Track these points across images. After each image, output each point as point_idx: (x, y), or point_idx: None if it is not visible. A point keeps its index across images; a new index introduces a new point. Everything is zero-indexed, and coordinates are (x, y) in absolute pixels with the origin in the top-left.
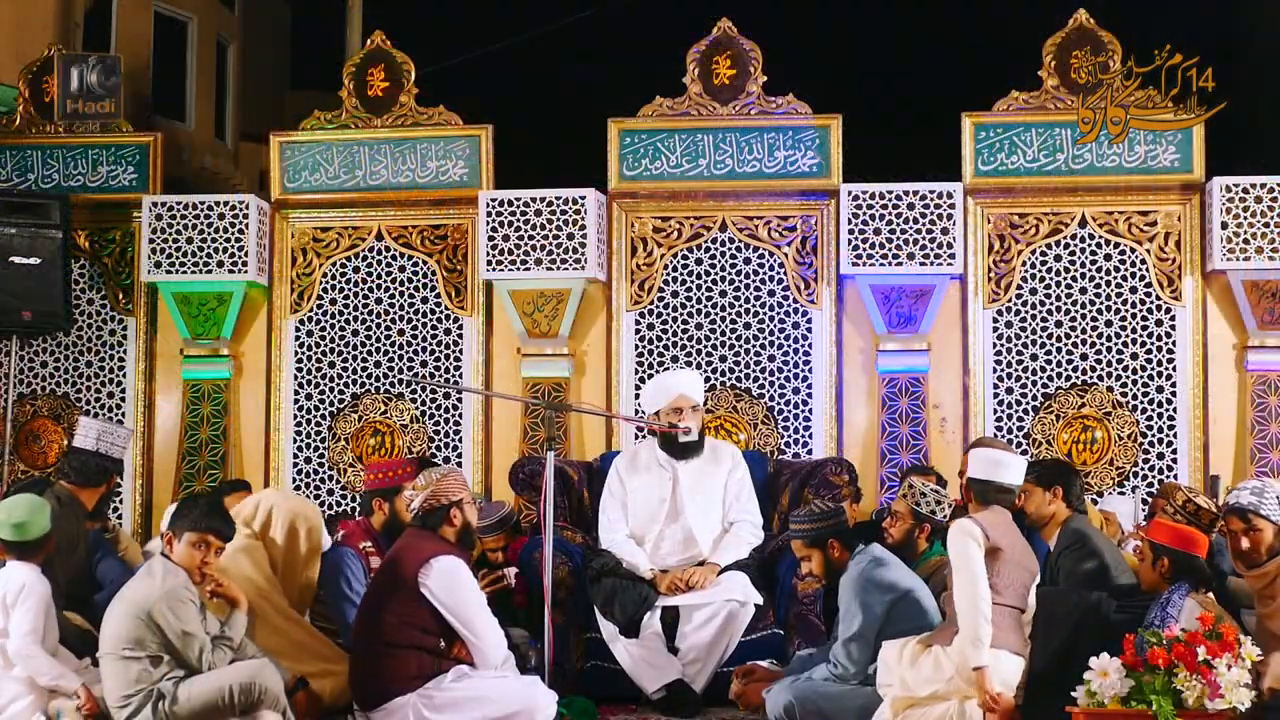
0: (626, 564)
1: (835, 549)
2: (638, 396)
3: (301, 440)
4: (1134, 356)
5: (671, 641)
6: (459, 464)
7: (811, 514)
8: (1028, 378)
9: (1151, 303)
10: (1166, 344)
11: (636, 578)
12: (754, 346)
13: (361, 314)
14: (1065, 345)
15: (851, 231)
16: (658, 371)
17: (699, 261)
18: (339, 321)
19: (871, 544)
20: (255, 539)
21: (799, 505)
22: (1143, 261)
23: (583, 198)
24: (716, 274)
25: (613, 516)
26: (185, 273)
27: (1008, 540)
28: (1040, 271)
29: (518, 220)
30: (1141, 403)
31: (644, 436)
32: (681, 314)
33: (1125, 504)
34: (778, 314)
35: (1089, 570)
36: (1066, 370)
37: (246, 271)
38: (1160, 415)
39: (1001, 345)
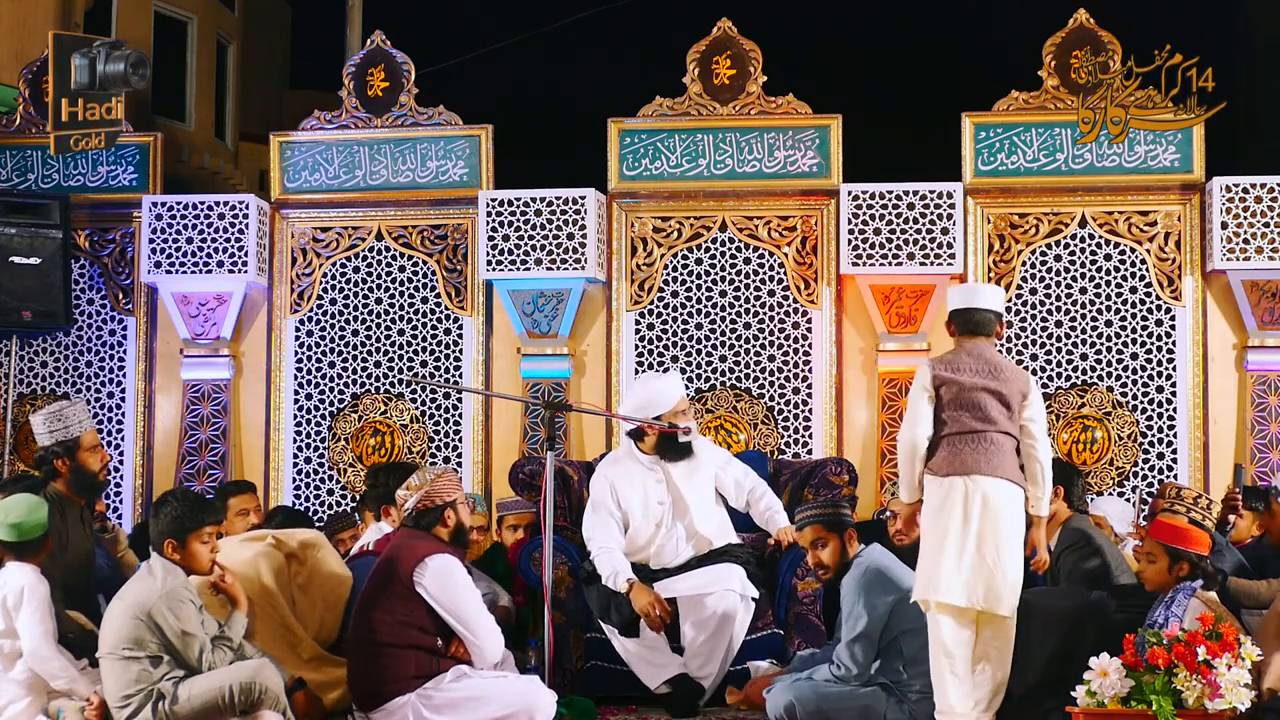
0: (605, 577)
1: (852, 539)
2: None
3: (301, 440)
4: (1134, 356)
5: (674, 641)
6: (459, 464)
7: (832, 499)
8: None
9: (1151, 303)
10: (1166, 344)
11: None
12: (754, 346)
13: (361, 314)
14: (1065, 345)
15: (851, 231)
16: (658, 371)
17: (699, 261)
18: (339, 321)
19: (873, 545)
20: (277, 550)
21: (799, 505)
22: (1143, 261)
23: (583, 198)
24: (716, 274)
25: (600, 535)
26: (185, 273)
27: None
28: (1040, 271)
29: (518, 220)
30: (1141, 403)
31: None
32: (681, 314)
33: (1115, 506)
34: (778, 314)
35: (1091, 569)
36: (1066, 370)
37: (246, 272)
38: (1160, 415)
39: (1001, 345)
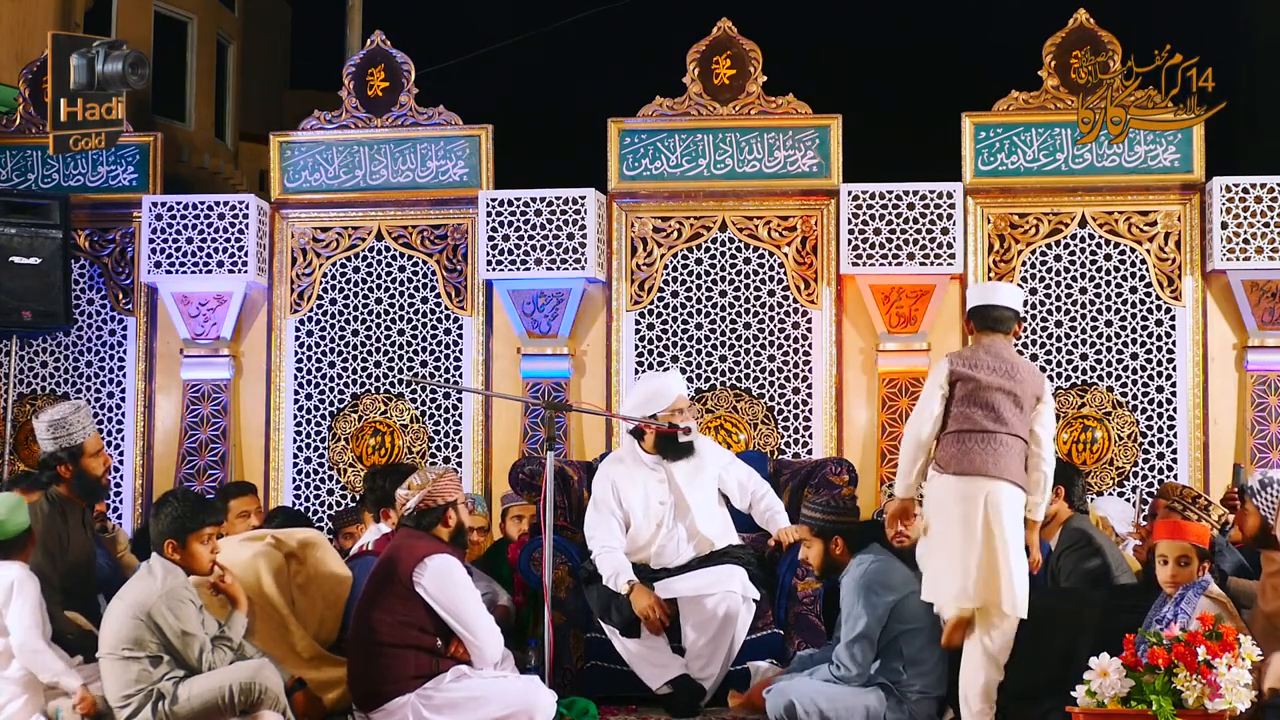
0: (606, 578)
1: (838, 546)
2: None
3: (301, 440)
4: (1134, 356)
5: (675, 641)
6: (459, 464)
7: (829, 504)
8: None
9: (1151, 303)
10: (1166, 344)
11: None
12: (754, 346)
13: (361, 314)
14: (1065, 345)
15: (851, 231)
16: (659, 371)
17: (699, 261)
18: (339, 321)
19: (872, 545)
20: (276, 550)
21: (799, 505)
22: (1143, 261)
23: (583, 198)
24: (716, 274)
25: (602, 534)
26: (185, 273)
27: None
28: (1040, 271)
29: (518, 220)
30: (1141, 403)
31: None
32: (681, 314)
33: (1116, 505)
34: (778, 314)
35: (1092, 569)
36: (1066, 370)
37: (246, 272)
38: (1160, 415)
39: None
